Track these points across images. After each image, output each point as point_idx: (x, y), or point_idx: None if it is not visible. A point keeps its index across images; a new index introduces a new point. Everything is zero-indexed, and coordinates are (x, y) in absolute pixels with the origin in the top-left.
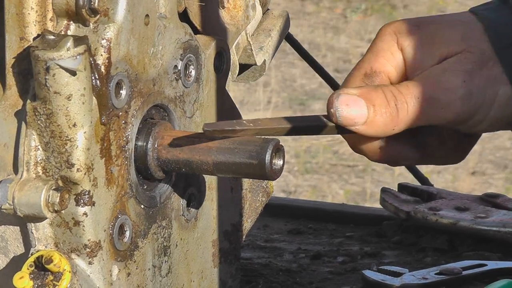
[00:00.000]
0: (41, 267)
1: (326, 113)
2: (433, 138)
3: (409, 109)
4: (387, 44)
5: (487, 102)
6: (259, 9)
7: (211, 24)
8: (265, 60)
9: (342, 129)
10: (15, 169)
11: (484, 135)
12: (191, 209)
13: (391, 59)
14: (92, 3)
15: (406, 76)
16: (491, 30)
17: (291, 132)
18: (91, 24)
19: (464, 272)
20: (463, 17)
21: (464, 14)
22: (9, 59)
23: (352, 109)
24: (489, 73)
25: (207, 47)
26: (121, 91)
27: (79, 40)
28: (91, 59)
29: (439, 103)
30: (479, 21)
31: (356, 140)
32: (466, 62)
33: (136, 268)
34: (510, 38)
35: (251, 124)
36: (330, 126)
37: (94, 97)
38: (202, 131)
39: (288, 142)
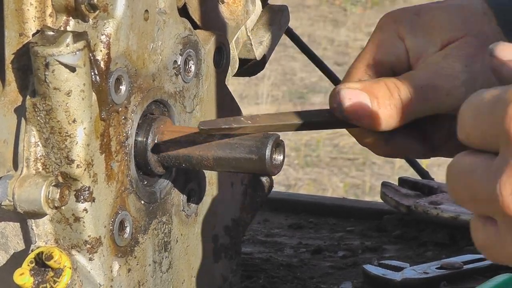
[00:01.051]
0: (41, 263)
1: (328, 108)
2: (441, 131)
3: (413, 99)
4: (387, 34)
5: (492, 85)
6: (258, 3)
7: (211, 19)
8: (265, 54)
9: (346, 124)
10: (15, 165)
11: None
12: (192, 204)
13: (393, 49)
14: None
15: (409, 65)
16: (500, 13)
17: (291, 128)
18: (90, 19)
19: (465, 267)
20: (464, 1)
21: (470, 0)
22: (9, 55)
23: (356, 103)
24: None
25: (207, 42)
26: (120, 87)
27: (78, 36)
28: (90, 54)
29: (443, 90)
30: (487, 3)
31: (362, 134)
32: (468, 47)
33: (137, 264)
34: None
35: (249, 121)
36: (334, 121)
37: (93, 93)
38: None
39: (288, 135)
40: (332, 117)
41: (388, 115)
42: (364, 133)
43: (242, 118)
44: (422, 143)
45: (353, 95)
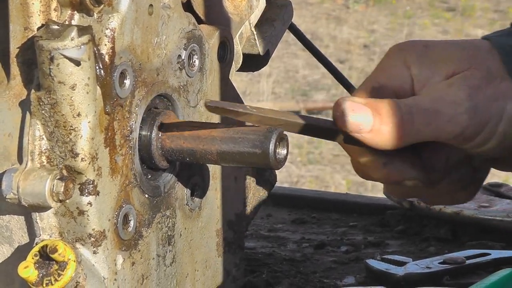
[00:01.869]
0: (46, 256)
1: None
2: (439, 164)
3: (415, 121)
4: (394, 61)
5: (494, 117)
6: None
7: (215, 14)
8: (268, 49)
9: (347, 138)
10: (20, 159)
11: None
12: (195, 198)
13: (398, 75)
14: None
15: (413, 92)
16: (504, 53)
17: (294, 128)
18: (95, 14)
19: (468, 262)
20: (472, 40)
21: (475, 40)
22: (14, 49)
23: (358, 114)
24: (496, 89)
25: (211, 37)
26: (125, 81)
27: (83, 30)
28: (95, 49)
29: (445, 116)
30: (492, 45)
31: (359, 152)
32: (472, 78)
33: (141, 258)
34: None
35: (254, 110)
36: (336, 132)
37: (98, 87)
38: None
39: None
40: (334, 127)
41: (388, 132)
42: (362, 151)
43: (248, 107)
44: (419, 173)
45: (356, 107)
